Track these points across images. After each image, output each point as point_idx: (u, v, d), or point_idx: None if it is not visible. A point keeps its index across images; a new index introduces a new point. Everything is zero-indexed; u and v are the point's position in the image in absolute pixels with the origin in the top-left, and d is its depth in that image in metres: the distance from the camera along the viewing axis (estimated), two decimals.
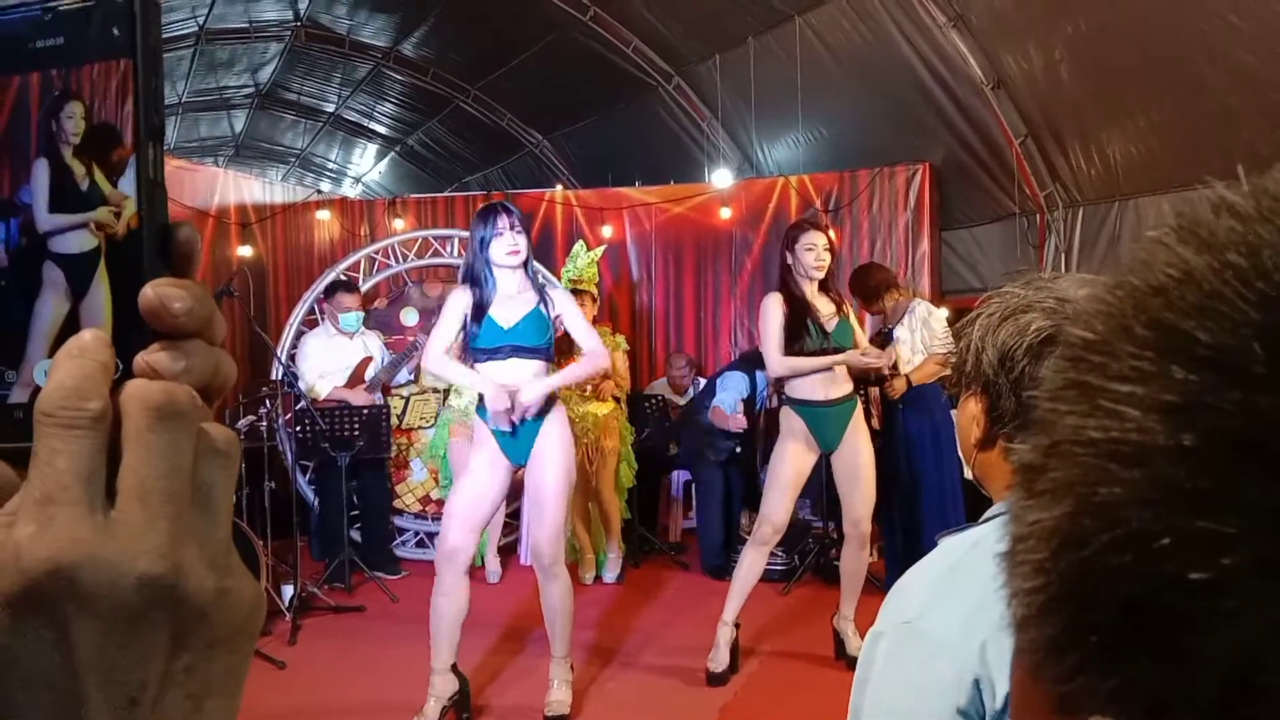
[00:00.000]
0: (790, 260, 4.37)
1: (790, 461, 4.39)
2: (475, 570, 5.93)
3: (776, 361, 4.34)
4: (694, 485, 6.95)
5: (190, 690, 0.34)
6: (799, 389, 4.40)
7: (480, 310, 3.81)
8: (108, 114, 0.38)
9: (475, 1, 8.88)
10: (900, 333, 5.49)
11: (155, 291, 0.36)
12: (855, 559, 4.52)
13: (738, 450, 6.37)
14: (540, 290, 3.90)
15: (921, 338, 5.41)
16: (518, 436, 3.85)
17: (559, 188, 9.07)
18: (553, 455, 3.86)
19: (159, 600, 0.33)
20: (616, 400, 6.40)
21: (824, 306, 4.37)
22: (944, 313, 5.52)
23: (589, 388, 6.15)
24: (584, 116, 10.16)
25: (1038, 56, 6.10)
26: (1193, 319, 0.27)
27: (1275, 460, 0.25)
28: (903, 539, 5.51)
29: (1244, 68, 4.89)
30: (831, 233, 7.46)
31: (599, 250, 6.80)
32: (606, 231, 8.00)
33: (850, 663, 4.46)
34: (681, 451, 6.75)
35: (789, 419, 4.44)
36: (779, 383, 4.66)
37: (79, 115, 0.38)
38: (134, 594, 0.33)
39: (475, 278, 3.84)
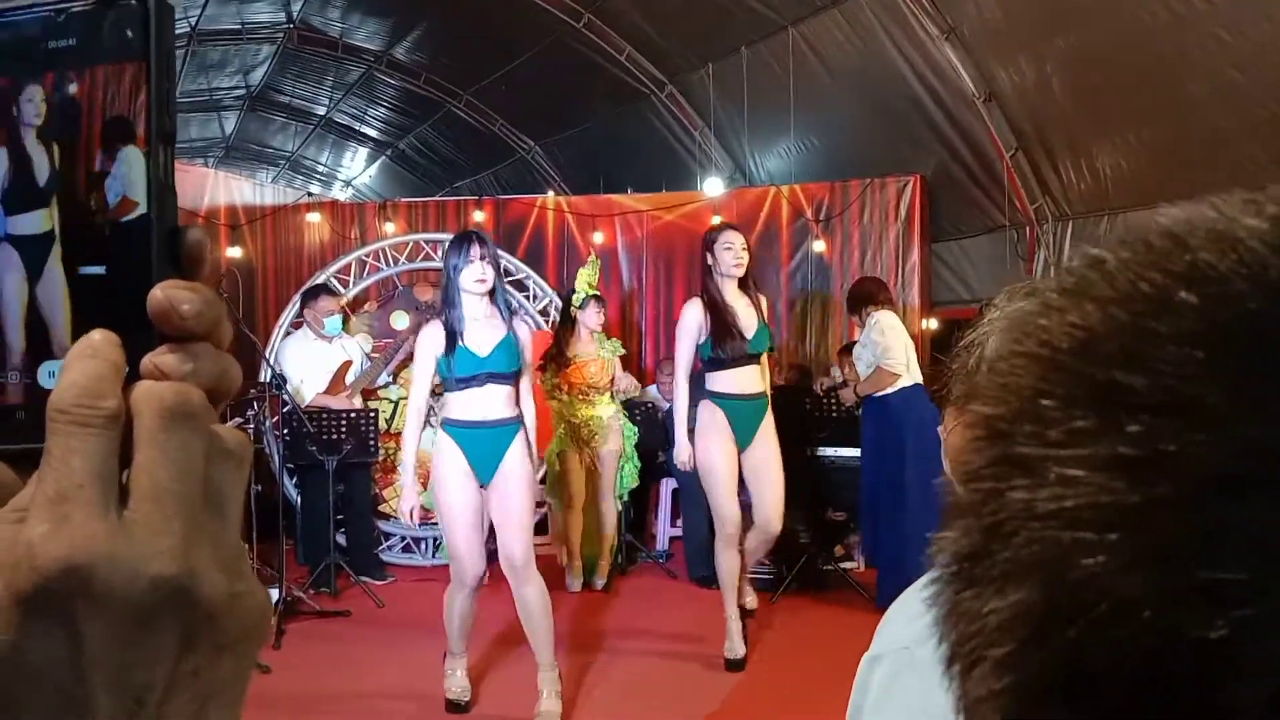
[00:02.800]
0: (710, 261, 4.52)
1: (720, 457, 4.50)
2: None
3: (681, 376, 4.58)
4: (681, 493, 6.95)
5: (196, 693, 0.34)
6: (719, 383, 4.53)
7: (453, 340, 4.00)
8: (123, 110, 0.38)
9: (469, 7, 8.88)
10: (857, 348, 5.65)
11: (165, 293, 0.36)
12: (729, 558, 4.56)
13: None
14: (509, 320, 4.09)
15: (870, 350, 5.48)
16: (486, 456, 4.03)
17: (551, 194, 9.08)
18: (517, 473, 4.05)
19: (171, 602, 0.33)
20: (616, 399, 6.42)
21: (742, 309, 4.51)
22: (894, 322, 5.56)
23: (592, 392, 6.18)
24: (576, 123, 10.17)
25: (1029, 70, 6.14)
26: (1124, 370, 0.26)
27: (1263, 489, 0.23)
28: (889, 548, 5.52)
29: (1232, 84, 4.94)
30: (821, 243, 7.52)
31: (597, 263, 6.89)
32: (598, 238, 8.01)
33: (726, 664, 4.67)
34: (669, 459, 6.74)
35: (710, 411, 4.53)
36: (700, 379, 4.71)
37: (39, 99, 0.38)
38: (147, 594, 0.33)
39: (447, 298, 4.05)
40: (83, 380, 0.34)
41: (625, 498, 6.53)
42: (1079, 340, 0.27)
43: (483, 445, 4.02)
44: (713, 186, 7.99)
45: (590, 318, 6.25)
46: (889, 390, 5.39)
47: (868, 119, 7.59)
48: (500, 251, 7.55)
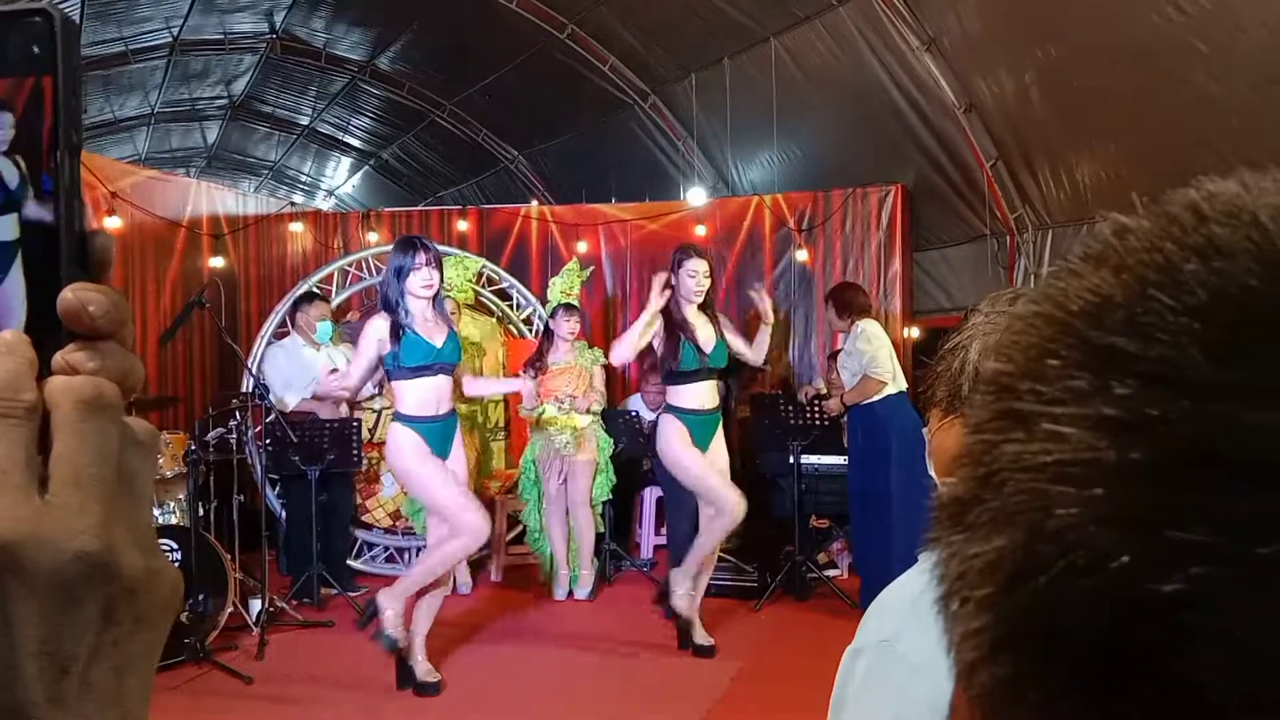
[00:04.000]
0: (674, 281, 4.85)
1: (694, 457, 4.89)
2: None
3: (626, 347, 4.92)
4: (665, 501, 6.95)
5: (115, 663, 0.37)
6: (683, 398, 4.93)
7: (397, 331, 4.22)
8: (29, 126, 0.40)
9: (452, 17, 8.89)
10: (841, 357, 5.72)
11: (75, 294, 0.38)
12: (720, 539, 5.01)
13: None
14: (449, 321, 4.45)
15: (856, 359, 5.52)
16: (441, 441, 4.40)
17: (534, 203, 9.08)
18: (460, 452, 4.48)
19: (94, 576, 0.35)
20: (593, 413, 6.41)
21: (702, 327, 4.89)
22: (878, 331, 5.61)
23: (568, 400, 6.17)
24: (560, 133, 10.18)
25: (1009, 81, 6.20)
26: (1124, 336, 0.27)
27: (1235, 465, 0.24)
28: (875, 556, 5.53)
29: (1209, 95, 5.00)
30: (803, 252, 7.56)
31: (588, 270, 6.90)
32: (581, 247, 8.01)
33: (696, 650, 4.95)
34: (654, 467, 6.75)
35: (672, 425, 4.92)
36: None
37: (9, 124, 0.40)
38: (71, 570, 0.35)
39: (388, 302, 4.26)
40: (2, 376, 0.37)
41: (599, 508, 6.52)
42: (1090, 304, 0.28)
43: (436, 433, 4.34)
44: (696, 196, 8.02)
45: (560, 326, 6.25)
46: (874, 399, 5.43)
47: (849, 129, 7.64)
48: (485, 260, 7.61)
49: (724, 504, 4.88)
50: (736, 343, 5.03)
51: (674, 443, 4.91)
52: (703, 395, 4.92)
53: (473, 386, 4.91)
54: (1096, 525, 0.25)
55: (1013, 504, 0.27)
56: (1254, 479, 0.24)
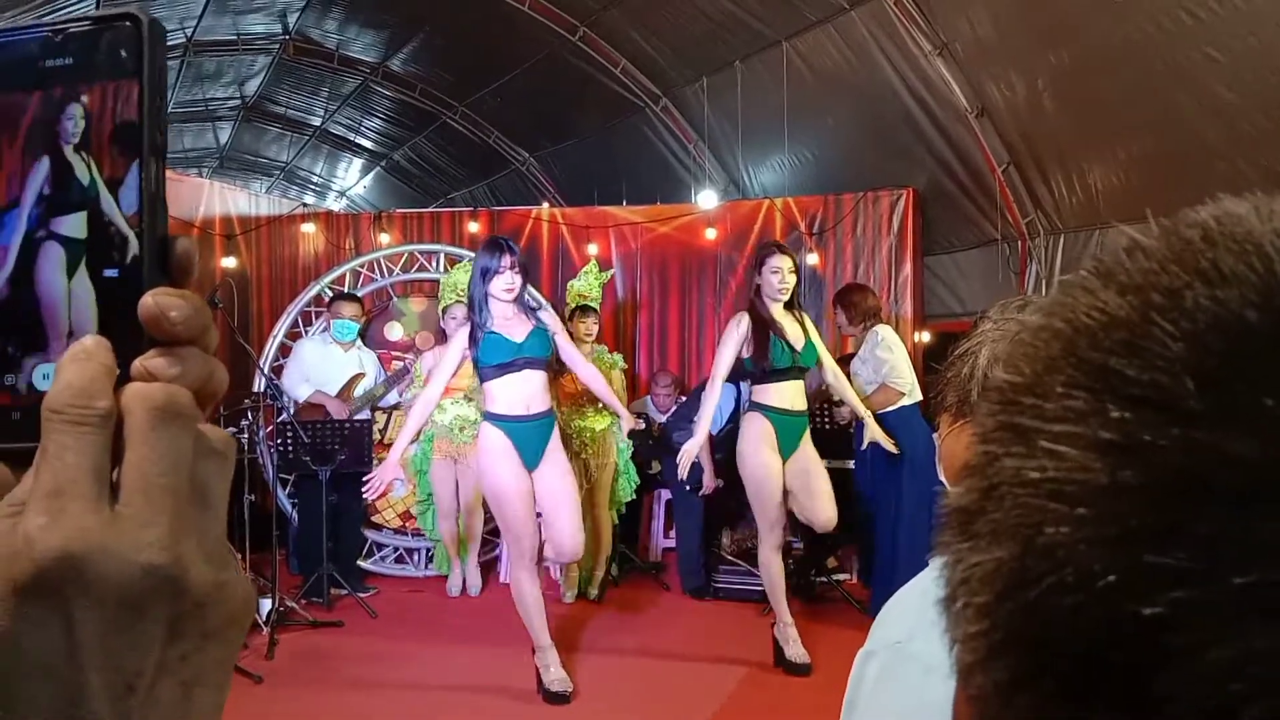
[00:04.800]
0: (758, 280, 4.70)
1: (768, 468, 4.67)
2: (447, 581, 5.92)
3: (716, 383, 4.67)
4: (674, 505, 6.95)
5: (183, 678, 0.36)
6: (771, 397, 4.69)
7: (475, 332, 4.18)
8: (111, 128, 0.40)
9: (464, 19, 8.91)
10: (855, 363, 5.64)
11: (155, 300, 0.38)
12: (780, 563, 4.78)
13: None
14: (533, 314, 4.30)
15: (873, 366, 5.48)
16: (532, 445, 4.25)
17: (545, 206, 9.09)
18: (562, 462, 4.34)
19: (161, 590, 0.35)
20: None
21: (790, 326, 4.69)
22: (897, 339, 5.58)
23: (585, 403, 6.18)
24: (571, 135, 10.19)
25: (1021, 86, 6.19)
26: (1123, 358, 0.27)
27: (1216, 493, 0.25)
28: (884, 564, 5.53)
29: (1221, 101, 4.98)
30: (814, 256, 7.55)
31: (607, 274, 6.91)
32: (592, 250, 8.02)
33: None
34: (664, 470, 6.76)
35: (756, 423, 4.70)
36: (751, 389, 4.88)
37: (79, 116, 0.40)
38: (138, 583, 0.34)
39: (473, 301, 4.22)
40: (77, 382, 0.36)
41: (621, 509, 6.53)
42: (1095, 323, 0.29)
43: (528, 435, 4.24)
44: (707, 199, 8.02)
45: (576, 328, 6.26)
46: (885, 409, 5.39)
47: (861, 133, 7.63)
48: None
49: (771, 525, 4.70)
50: (826, 356, 4.82)
51: (753, 442, 4.69)
52: (792, 395, 4.71)
53: (587, 373, 4.69)
54: (1085, 544, 0.26)
55: (1011, 518, 0.28)
56: (1234, 507, 0.25)
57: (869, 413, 4.90)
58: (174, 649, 0.35)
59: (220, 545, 0.38)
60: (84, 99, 0.40)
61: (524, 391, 4.23)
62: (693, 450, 4.60)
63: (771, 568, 4.78)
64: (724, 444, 6.47)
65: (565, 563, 4.27)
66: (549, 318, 4.37)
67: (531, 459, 4.25)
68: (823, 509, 4.66)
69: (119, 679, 0.34)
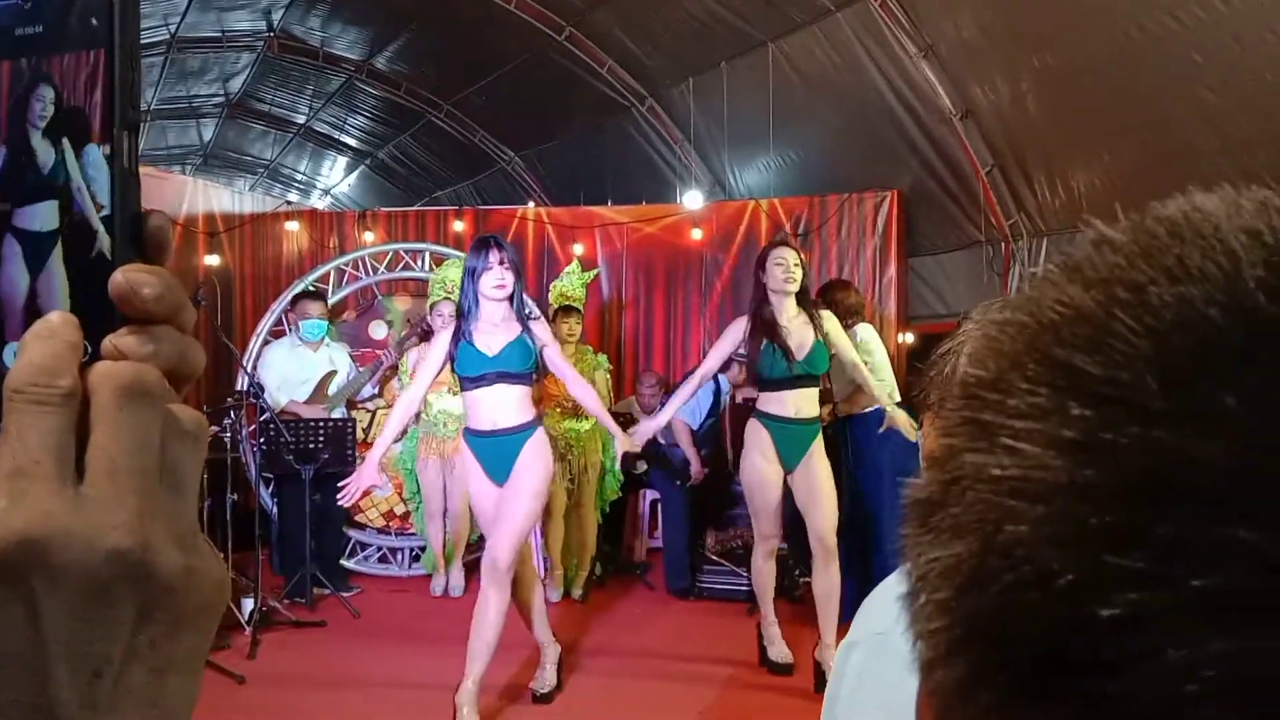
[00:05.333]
0: (764, 279, 4.50)
1: (763, 476, 4.56)
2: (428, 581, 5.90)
3: (693, 380, 4.73)
4: (660, 505, 6.96)
5: (153, 665, 0.35)
6: (770, 404, 4.55)
7: (458, 339, 4.02)
8: (80, 102, 0.38)
9: (450, 17, 8.89)
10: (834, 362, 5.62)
11: (126, 276, 0.37)
12: (825, 578, 4.53)
13: (706, 472, 6.38)
14: (524, 321, 4.09)
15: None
16: (499, 461, 4.06)
17: (531, 205, 9.08)
18: (525, 478, 4.07)
19: (127, 574, 0.34)
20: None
21: (797, 329, 4.46)
22: (876, 339, 5.58)
23: (569, 404, 6.17)
24: (557, 135, 10.18)
25: (1005, 88, 6.22)
26: (1086, 354, 0.27)
27: (1178, 495, 0.25)
28: (861, 561, 5.53)
29: (1206, 105, 5.02)
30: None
31: (590, 274, 6.89)
32: (578, 250, 8.02)
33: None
34: (649, 470, 6.76)
35: (755, 432, 4.58)
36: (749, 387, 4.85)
37: (49, 99, 0.38)
38: (103, 567, 0.33)
39: (464, 302, 4.07)
40: (39, 360, 0.35)
41: (606, 509, 6.53)
42: (1060, 318, 0.28)
43: (494, 451, 4.07)
44: (692, 200, 8.03)
45: (558, 328, 6.25)
46: (869, 409, 5.39)
47: (846, 135, 7.65)
48: None
49: (764, 535, 4.63)
50: (849, 351, 4.61)
51: (750, 450, 4.56)
52: (795, 402, 4.49)
53: (581, 391, 4.42)
54: (1045, 543, 0.26)
55: (971, 513, 0.28)
56: (1195, 510, 0.24)
57: (891, 401, 4.75)
58: (143, 635, 0.34)
59: (191, 528, 0.36)
60: (54, 71, 0.38)
61: (491, 406, 4.02)
62: (646, 432, 4.48)
63: (762, 574, 4.76)
64: (706, 439, 6.48)
65: (496, 575, 4.05)
66: (541, 330, 4.16)
67: (499, 474, 4.07)
68: (818, 524, 4.53)
69: (86, 665, 0.33)
